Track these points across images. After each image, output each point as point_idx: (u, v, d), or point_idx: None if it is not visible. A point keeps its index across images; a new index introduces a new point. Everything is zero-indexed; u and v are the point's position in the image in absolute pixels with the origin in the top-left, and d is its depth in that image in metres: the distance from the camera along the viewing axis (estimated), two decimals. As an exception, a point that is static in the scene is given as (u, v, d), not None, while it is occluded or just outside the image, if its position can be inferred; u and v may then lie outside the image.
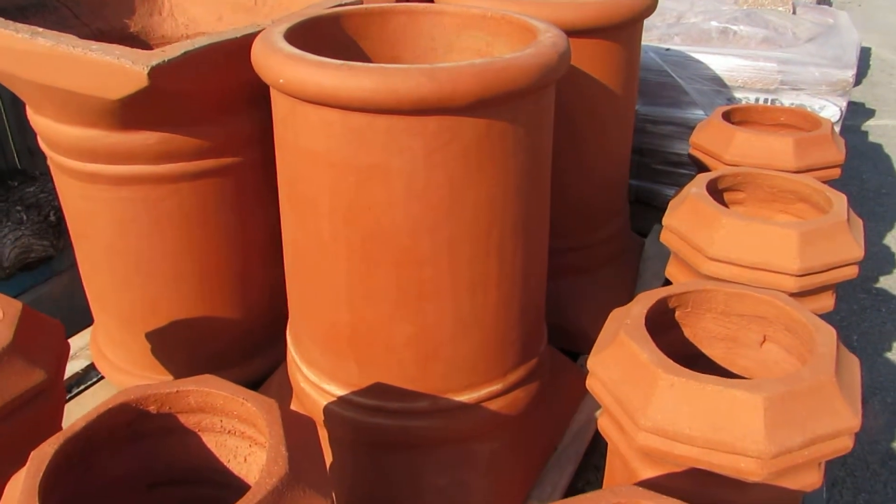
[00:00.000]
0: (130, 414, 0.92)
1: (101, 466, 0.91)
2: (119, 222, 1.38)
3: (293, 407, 1.39)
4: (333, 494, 0.90)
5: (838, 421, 0.95)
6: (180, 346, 1.57)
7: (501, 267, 1.16)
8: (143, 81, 1.08)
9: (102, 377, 1.70)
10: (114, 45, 1.12)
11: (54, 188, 1.70)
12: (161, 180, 1.32)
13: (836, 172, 1.78)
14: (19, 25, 1.17)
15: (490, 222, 1.11)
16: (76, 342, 1.81)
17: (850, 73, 2.05)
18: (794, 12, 2.74)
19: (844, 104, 2.08)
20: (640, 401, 0.99)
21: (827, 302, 1.41)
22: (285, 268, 1.29)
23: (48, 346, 1.11)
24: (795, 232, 1.33)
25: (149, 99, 1.14)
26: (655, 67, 2.25)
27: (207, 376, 0.96)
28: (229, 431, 0.96)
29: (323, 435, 1.31)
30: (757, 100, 2.17)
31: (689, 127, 2.15)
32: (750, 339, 1.20)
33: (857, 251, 1.35)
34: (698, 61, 2.21)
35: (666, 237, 1.49)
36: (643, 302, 1.12)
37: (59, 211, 2.13)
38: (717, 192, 1.58)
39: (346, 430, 1.26)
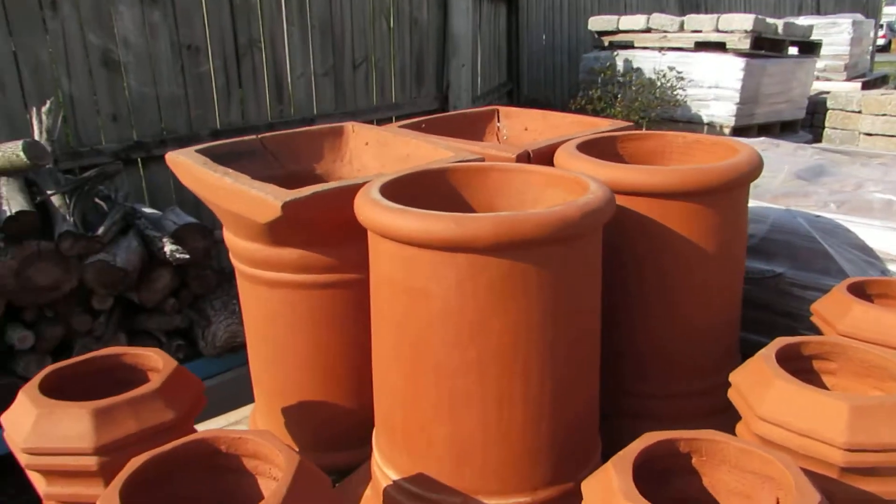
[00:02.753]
0: (206, 448, 1.24)
1: (177, 485, 1.23)
2: (271, 315, 1.79)
3: (370, 486, 1.63)
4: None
5: None
6: (307, 427, 1.90)
7: (527, 388, 1.33)
8: (278, 211, 1.48)
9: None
10: (269, 185, 1.55)
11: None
12: (299, 287, 1.71)
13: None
14: (217, 167, 1.66)
15: (515, 347, 1.30)
16: (244, 411, 2.25)
17: None
18: None
19: None
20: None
21: (891, 488, 1.34)
22: (373, 371, 1.58)
23: (185, 396, 1.50)
24: (847, 405, 1.32)
25: (286, 224, 1.53)
26: (804, 233, 2.26)
27: (266, 431, 1.26)
28: (273, 477, 1.24)
29: (381, 515, 1.53)
30: (911, 273, 2.07)
31: (837, 294, 2.11)
32: (764, 498, 1.22)
33: (918, 433, 1.29)
34: (850, 231, 2.19)
35: (731, 393, 1.53)
36: (644, 440, 1.22)
37: (262, 308, 2.65)
38: (802, 358, 1.58)
39: (394, 513, 1.47)
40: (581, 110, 5.07)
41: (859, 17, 8.57)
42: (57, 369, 1.55)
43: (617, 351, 1.78)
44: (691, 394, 1.81)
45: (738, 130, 5.66)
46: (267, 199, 1.50)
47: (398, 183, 1.52)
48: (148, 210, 2.77)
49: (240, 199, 1.57)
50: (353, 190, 1.52)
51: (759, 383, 1.45)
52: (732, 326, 1.90)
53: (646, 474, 1.17)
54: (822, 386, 1.58)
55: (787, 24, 6.10)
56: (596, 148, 1.94)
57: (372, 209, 1.34)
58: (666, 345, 1.78)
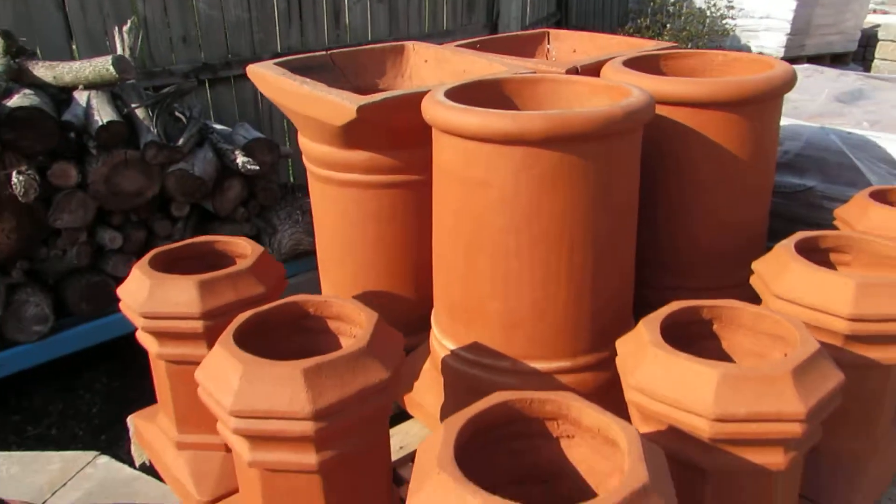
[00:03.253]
0: (297, 310, 1.48)
1: (274, 341, 1.46)
2: (340, 213, 2.00)
3: (429, 360, 1.87)
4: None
5: (784, 405, 1.17)
6: (372, 314, 2.13)
7: (571, 269, 1.53)
8: (353, 114, 1.67)
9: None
10: (344, 91, 1.74)
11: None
12: (368, 186, 1.91)
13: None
14: (295, 76, 1.86)
15: (561, 231, 1.50)
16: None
17: None
18: None
19: None
20: (632, 366, 1.30)
21: (890, 354, 1.52)
22: (433, 255, 1.79)
23: (272, 275, 1.73)
24: (853, 282, 1.49)
25: (359, 127, 1.73)
26: (835, 149, 2.38)
27: (349, 298, 1.49)
28: (353, 335, 1.47)
29: (440, 380, 1.77)
30: (937, 185, 2.19)
31: (863, 206, 2.24)
32: (775, 357, 1.41)
33: (918, 308, 1.46)
34: (879, 146, 2.30)
35: (753, 279, 1.71)
36: (671, 306, 1.42)
37: (324, 218, 2.88)
38: (820, 251, 1.75)
39: (451, 377, 1.71)
40: (628, 39, 5.11)
41: (922, -56, 8.24)
42: (161, 251, 1.80)
43: (652, 247, 1.96)
44: (720, 287, 1.98)
45: (788, 61, 5.63)
46: (343, 103, 1.69)
47: (459, 90, 1.70)
48: (219, 126, 3.00)
49: (318, 103, 1.77)
50: (419, 96, 1.70)
51: (777, 268, 1.62)
52: (761, 230, 2.06)
53: (672, 336, 1.36)
54: (838, 276, 1.74)
55: (842, -48, 5.96)
56: (640, 64, 2.08)
57: (437, 108, 1.53)
58: (702, 240, 1.95)
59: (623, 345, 1.39)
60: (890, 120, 2.44)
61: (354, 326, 1.48)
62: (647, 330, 1.34)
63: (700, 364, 1.23)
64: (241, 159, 2.66)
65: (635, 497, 0.95)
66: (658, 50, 2.29)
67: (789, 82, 1.89)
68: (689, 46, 5.18)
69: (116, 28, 2.77)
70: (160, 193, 2.68)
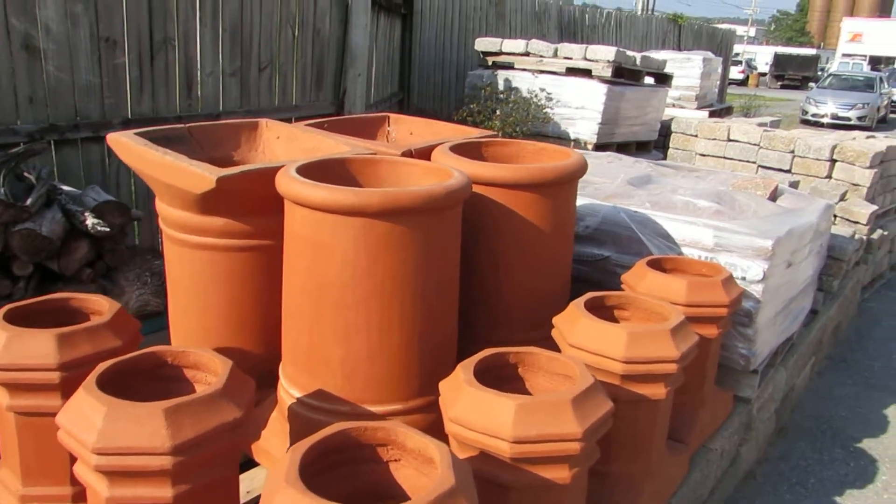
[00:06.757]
0: (156, 359, 1.63)
1: (133, 389, 1.59)
2: (194, 274, 2.16)
3: (276, 409, 2.05)
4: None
5: (565, 427, 1.48)
6: (220, 369, 2.27)
7: (402, 320, 1.80)
8: (212, 184, 1.87)
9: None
10: (204, 163, 1.94)
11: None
12: (221, 249, 2.09)
13: (723, 311, 2.29)
14: (157, 147, 2.03)
15: (393, 288, 1.77)
16: (159, 364, 2.58)
17: (769, 243, 2.57)
18: (773, 198, 3.27)
19: (766, 266, 2.58)
20: (451, 402, 1.57)
21: (657, 391, 1.91)
22: (282, 311, 1.99)
23: (128, 330, 1.86)
24: (626, 332, 1.88)
25: (217, 195, 1.93)
26: (625, 224, 2.86)
27: (205, 348, 1.66)
28: (208, 383, 1.64)
29: (286, 426, 1.95)
30: (699, 256, 2.70)
31: (647, 273, 2.70)
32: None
33: (673, 352, 1.87)
34: (657, 223, 2.80)
35: (553, 332, 2.07)
36: (484, 352, 1.72)
37: (173, 279, 2.98)
38: (605, 308, 2.15)
39: (296, 423, 1.90)
40: (463, 122, 5.63)
41: (709, 54, 9.68)
42: (15, 307, 1.87)
43: (473, 306, 2.28)
44: (531, 341, 2.32)
45: (600, 147, 6.40)
46: (203, 174, 1.89)
47: (309, 167, 1.95)
48: (67, 188, 3.03)
49: (179, 173, 1.95)
50: (273, 171, 1.94)
51: (570, 321, 1.99)
52: (563, 291, 2.45)
53: (485, 378, 1.65)
54: (622, 332, 2.14)
55: (643, 57, 6.94)
56: (465, 150, 2.45)
57: (290, 182, 1.77)
58: (508, 302, 2.30)
59: (444, 385, 1.66)
60: (667, 202, 2.97)
61: (209, 374, 1.65)
62: (462, 372, 1.62)
63: (502, 397, 1.53)
64: (90, 221, 2.73)
65: (445, 497, 1.21)
66: (481, 138, 2.68)
67: (581, 169, 2.31)
68: (516, 130, 5.78)
69: (-38, 87, 2.78)
70: (2, 252, 2.68)
